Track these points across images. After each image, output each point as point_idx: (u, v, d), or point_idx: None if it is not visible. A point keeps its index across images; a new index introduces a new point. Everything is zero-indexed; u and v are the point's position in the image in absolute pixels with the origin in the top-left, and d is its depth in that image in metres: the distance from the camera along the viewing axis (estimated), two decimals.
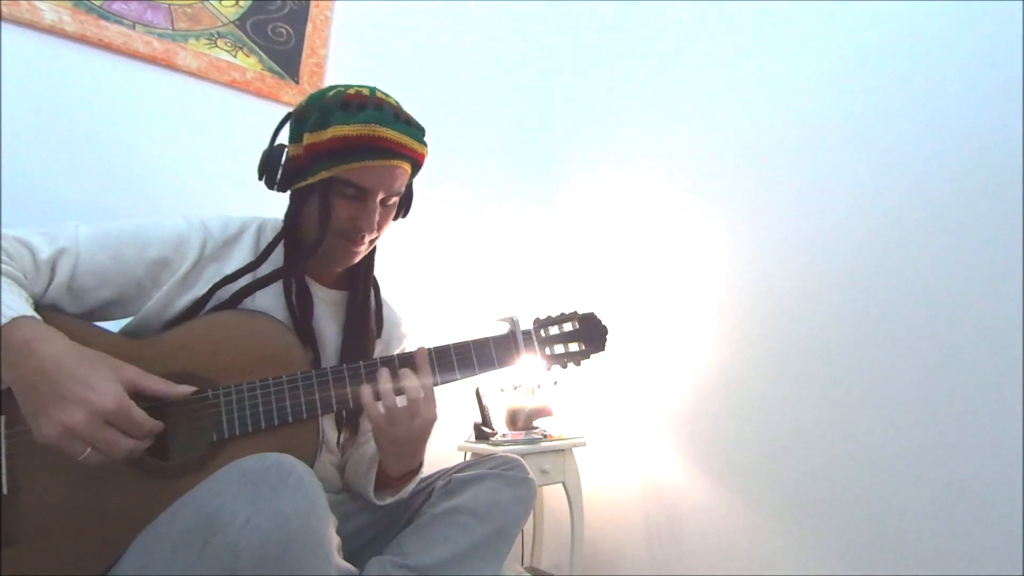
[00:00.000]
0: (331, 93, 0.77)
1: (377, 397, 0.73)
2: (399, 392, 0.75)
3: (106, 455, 0.59)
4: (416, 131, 0.80)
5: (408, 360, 0.78)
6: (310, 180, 0.77)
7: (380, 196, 0.78)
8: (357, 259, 0.84)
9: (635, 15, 1.75)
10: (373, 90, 0.79)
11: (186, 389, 0.67)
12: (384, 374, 0.75)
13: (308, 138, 0.75)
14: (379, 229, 0.83)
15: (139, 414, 0.60)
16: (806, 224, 1.23)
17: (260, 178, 0.81)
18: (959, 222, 1.00)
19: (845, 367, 1.12)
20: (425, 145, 0.82)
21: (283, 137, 0.83)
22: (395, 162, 0.77)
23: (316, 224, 0.77)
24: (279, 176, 0.80)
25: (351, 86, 0.79)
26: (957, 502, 0.95)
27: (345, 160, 0.75)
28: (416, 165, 0.83)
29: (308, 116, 0.76)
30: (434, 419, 0.76)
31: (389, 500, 0.81)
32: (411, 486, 0.83)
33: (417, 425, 0.74)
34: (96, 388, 0.58)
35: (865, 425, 1.08)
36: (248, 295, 0.78)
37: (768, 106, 1.34)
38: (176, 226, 0.77)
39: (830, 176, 1.20)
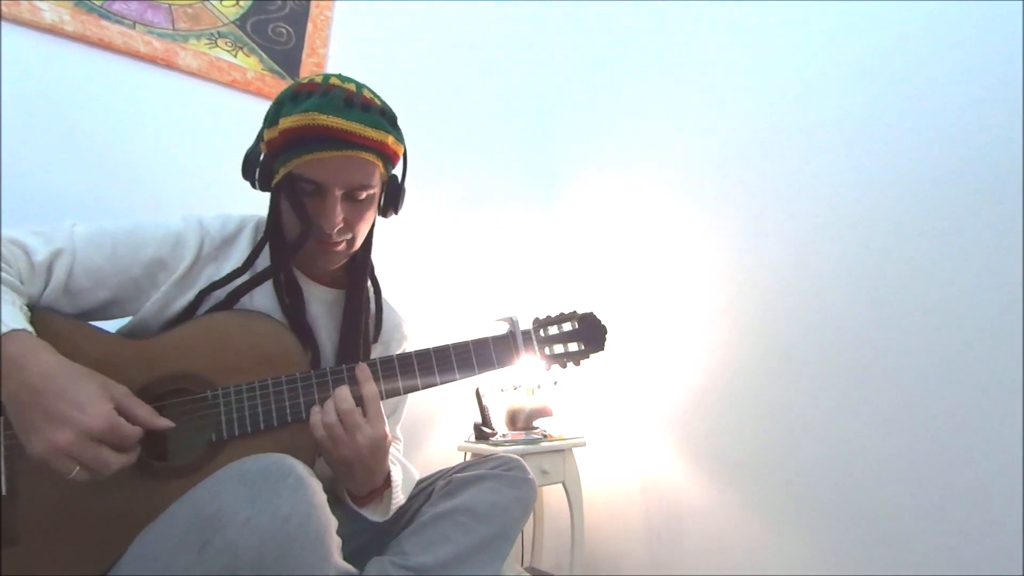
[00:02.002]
0: (290, 87, 0.74)
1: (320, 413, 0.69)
2: (344, 408, 0.69)
3: (95, 473, 0.58)
4: (376, 117, 0.72)
5: (408, 362, 0.77)
6: (276, 178, 0.74)
7: (340, 191, 0.72)
8: (338, 259, 0.79)
9: (636, 18, 1.75)
10: (327, 77, 0.73)
11: (167, 423, 0.64)
12: (334, 391, 0.71)
13: (267, 134, 0.74)
14: (352, 228, 0.76)
15: (129, 429, 0.59)
16: (804, 226, 1.22)
17: (244, 178, 0.78)
18: (958, 222, 1.00)
19: (844, 367, 1.12)
20: (390, 133, 0.74)
21: None
22: (349, 152, 0.70)
23: (293, 222, 0.75)
24: (258, 175, 0.76)
25: (310, 76, 0.74)
26: (957, 502, 0.95)
27: (295, 154, 0.70)
28: (384, 155, 0.75)
29: (269, 113, 0.74)
30: (382, 437, 0.70)
31: (380, 519, 0.77)
32: (397, 499, 0.78)
33: (362, 443, 0.68)
34: (84, 407, 0.57)
35: (864, 425, 1.08)
36: (244, 293, 0.76)
37: (767, 108, 1.34)
38: (173, 226, 0.76)
39: (828, 178, 1.20)
